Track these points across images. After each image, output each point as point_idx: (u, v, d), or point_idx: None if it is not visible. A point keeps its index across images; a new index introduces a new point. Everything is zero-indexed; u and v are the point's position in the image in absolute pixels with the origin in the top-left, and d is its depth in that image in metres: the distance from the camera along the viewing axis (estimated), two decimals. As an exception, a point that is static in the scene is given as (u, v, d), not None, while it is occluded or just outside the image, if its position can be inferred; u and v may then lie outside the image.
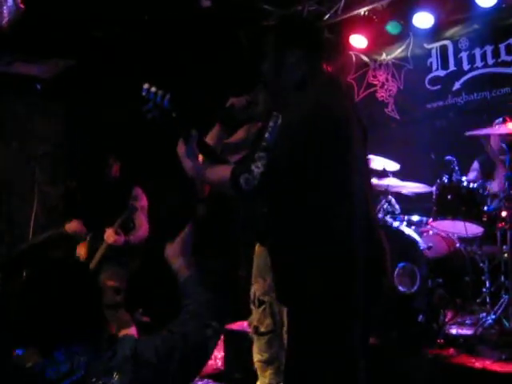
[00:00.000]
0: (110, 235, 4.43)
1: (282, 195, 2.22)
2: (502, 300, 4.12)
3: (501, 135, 4.49)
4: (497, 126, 4.50)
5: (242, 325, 4.65)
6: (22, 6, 4.49)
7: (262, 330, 3.20)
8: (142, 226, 4.62)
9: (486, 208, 4.25)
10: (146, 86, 2.38)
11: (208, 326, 1.87)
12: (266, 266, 3.17)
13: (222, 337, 5.01)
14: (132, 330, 4.46)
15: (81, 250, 4.72)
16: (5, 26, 4.56)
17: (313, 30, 2.55)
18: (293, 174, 2.18)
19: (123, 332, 4.40)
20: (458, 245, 4.46)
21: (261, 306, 3.22)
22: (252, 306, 3.27)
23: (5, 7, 4.52)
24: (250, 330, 3.30)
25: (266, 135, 2.11)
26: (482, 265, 4.42)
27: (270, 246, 2.47)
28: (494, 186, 4.51)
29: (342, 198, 2.23)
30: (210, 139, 3.13)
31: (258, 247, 3.31)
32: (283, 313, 3.11)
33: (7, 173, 5.94)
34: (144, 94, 2.37)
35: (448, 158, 4.44)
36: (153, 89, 2.35)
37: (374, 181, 4.93)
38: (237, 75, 5.62)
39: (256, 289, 3.26)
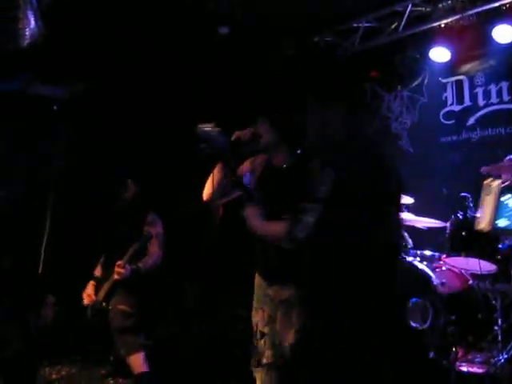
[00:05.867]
0: (116, 272, 4.37)
1: None
2: (513, 338, 4.09)
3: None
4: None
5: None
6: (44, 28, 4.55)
7: (264, 361, 3.11)
8: (155, 254, 4.55)
9: (500, 246, 4.22)
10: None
11: None
12: (265, 297, 3.13)
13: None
14: (141, 355, 4.37)
15: (97, 272, 4.71)
16: (25, 46, 4.62)
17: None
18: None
19: (132, 357, 4.33)
20: (470, 281, 4.43)
21: (262, 337, 3.15)
22: (254, 340, 3.20)
23: (27, 29, 4.58)
24: (251, 363, 3.19)
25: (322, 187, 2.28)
26: (494, 302, 4.37)
27: None
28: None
29: None
30: (214, 176, 3.14)
31: (256, 278, 3.26)
32: (283, 345, 3.04)
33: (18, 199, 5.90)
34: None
35: (463, 194, 4.43)
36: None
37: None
38: (240, 107, 5.61)
39: (257, 320, 3.20)
